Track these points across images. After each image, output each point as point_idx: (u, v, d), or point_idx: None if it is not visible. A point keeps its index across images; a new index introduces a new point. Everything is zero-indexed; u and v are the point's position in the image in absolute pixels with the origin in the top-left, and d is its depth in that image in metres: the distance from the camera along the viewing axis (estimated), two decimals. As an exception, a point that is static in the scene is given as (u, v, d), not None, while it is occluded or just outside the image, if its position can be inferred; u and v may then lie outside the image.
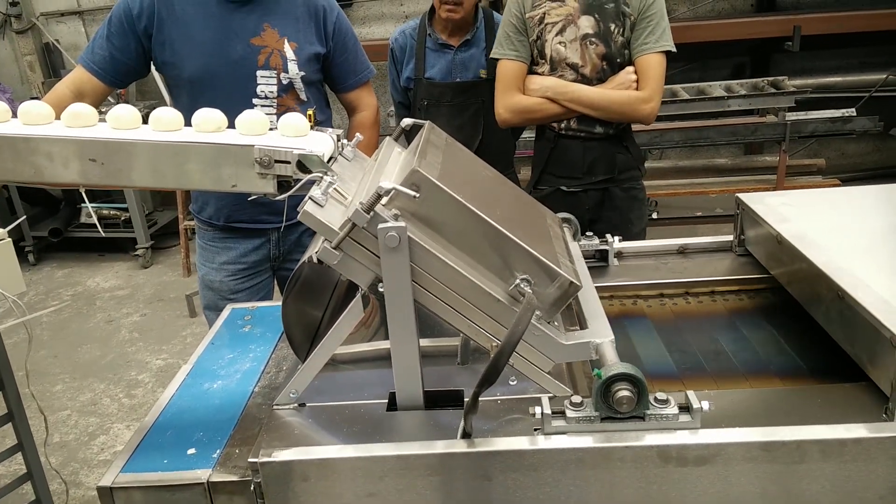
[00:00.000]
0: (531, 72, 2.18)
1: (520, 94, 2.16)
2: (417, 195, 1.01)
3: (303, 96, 2.06)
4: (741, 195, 1.58)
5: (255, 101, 1.99)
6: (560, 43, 2.11)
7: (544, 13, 2.11)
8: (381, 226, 1.00)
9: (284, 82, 2.01)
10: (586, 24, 2.08)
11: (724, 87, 4.00)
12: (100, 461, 2.98)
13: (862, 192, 1.59)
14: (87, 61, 1.97)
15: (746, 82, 4.05)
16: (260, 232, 2.16)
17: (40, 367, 3.69)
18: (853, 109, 3.99)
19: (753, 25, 4.59)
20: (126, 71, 2.00)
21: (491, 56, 2.24)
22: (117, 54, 1.95)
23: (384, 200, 1.01)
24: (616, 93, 2.10)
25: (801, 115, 3.94)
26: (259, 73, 1.98)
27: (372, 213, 1.00)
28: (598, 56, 2.10)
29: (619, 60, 2.11)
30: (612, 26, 2.08)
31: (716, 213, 4.19)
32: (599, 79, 2.12)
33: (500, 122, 2.23)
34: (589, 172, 2.21)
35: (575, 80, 2.12)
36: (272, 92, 2.00)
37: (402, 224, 1.00)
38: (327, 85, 2.21)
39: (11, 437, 2.06)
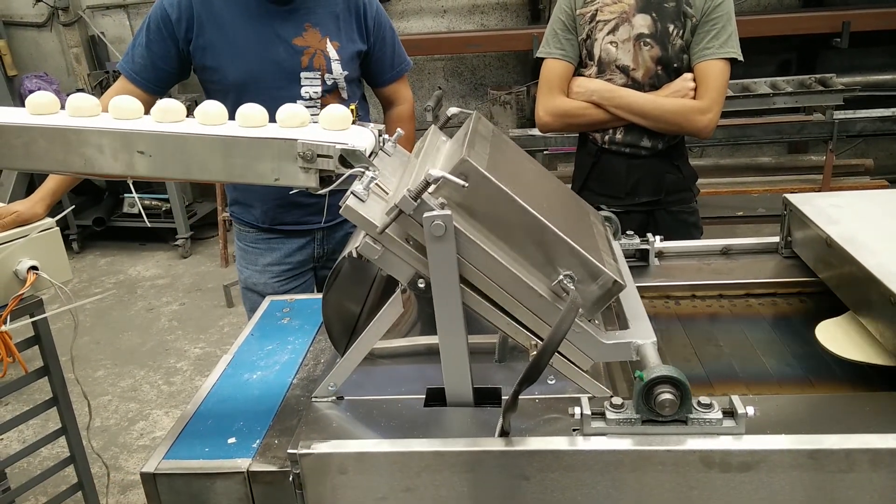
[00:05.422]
0: (578, 74, 2.02)
1: (563, 97, 1.99)
2: (466, 185, 1.00)
3: (345, 95, 2.02)
4: (789, 196, 1.54)
5: (299, 103, 1.91)
6: (611, 42, 1.93)
7: (597, 10, 1.94)
8: (426, 214, 0.98)
9: (329, 83, 1.96)
10: (642, 22, 1.90)
11: (769, 83, 3.91)
12: (139, 446, 3.05)
13: (914, 195, 1.54)
14: (127, 70, 1.94)
15: (793, 79, 3.95)
16: (304, 232, 2.12)
17: (83, 352, 3.79)
18: (903, 108, 3.88)
19: (800, 21, 4.48)
20: (167, 78, 1.96)
21: (536, 55, 2.09)
22: (159, 62, 1.92)
23: (431, 188, 0.99)
24: (670, 101, 1.90)
25: (850, 114, 3.84)
26: (303, 74, 1.94)
27: (419, 201, 0.98)
28: (653, 59, 1.91)
29: (675, 65, 1.92)
30: (671, 27, 1.89)
31: (758, 213, 4.10)
32: (652, 85, 1.94)
33: (540, 126, 2.09)
34: (632, 193, 2.03)
35: (625, 85, 1.94)
36: (316, 93, 1.96)
37: (448, 213, 0.99)
38: (364, 80, 2.15)
39: (55, 420, 2.12)
